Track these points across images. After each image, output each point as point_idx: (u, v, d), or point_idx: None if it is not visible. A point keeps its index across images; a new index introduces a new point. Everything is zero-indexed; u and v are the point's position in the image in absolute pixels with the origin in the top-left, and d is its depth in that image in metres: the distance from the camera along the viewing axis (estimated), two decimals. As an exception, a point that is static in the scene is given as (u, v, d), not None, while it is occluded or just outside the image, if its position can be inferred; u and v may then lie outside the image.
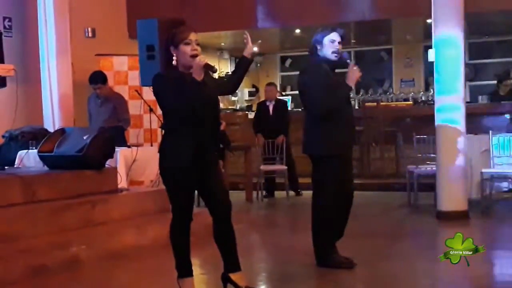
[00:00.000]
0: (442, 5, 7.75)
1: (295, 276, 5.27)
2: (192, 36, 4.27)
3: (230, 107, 15.96)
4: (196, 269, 4.61)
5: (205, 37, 12.53)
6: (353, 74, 5.20)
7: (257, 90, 17.42)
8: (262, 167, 10.21)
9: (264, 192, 10.40)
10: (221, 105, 14.17)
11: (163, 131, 4.42)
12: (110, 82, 9.13)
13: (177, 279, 4.45)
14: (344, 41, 5.29)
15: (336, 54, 5.23)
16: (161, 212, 6.92)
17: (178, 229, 4.39)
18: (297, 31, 13.78)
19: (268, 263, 6.03)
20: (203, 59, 4.19)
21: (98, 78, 8.61)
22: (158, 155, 4.35)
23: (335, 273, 5.21)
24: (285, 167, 10.11)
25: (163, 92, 4.22)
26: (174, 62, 4.28)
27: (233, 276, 4.43)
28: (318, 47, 5.28)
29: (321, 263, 5.35)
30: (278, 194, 10.54)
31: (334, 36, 5.24)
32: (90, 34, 11.03)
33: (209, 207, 4.43)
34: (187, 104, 4.14)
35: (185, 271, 4.43)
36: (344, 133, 5.30)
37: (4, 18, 9.71)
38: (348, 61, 5.36)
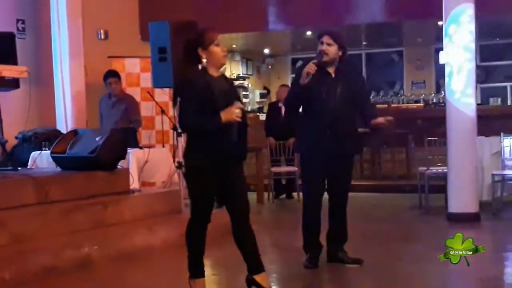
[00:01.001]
0: (454, 7, 7.76)
1: (305, 277, 5.29)
2: (220, 37, 4.35)
3: (241, 109, 15.94)
4: (207, 270, 4.62)
5: (217, 39, 12.55)
6: (303, 72, 5.17)
7: (268, 92, 17.44)
8: (273, 168, 10.21)
9: (274, 193, 10.44)
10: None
11: (186, 133, 4.44)
12: (122, 83, 9.18)
13: (188, 279, 4.47)
14: (338, 40, 5.25)
15: (319, 54, 5.26)
16: (173, 213, 6.93)
17: (195, 229, 4.42)
18: (308, 33, 13.78)
19: (279, 264, 6.03)
20: (239, 114, 4.21)
21: (114, 72, 8.81)
22: (181, 155, 4.37)
23: (346, 274, 5.23)
24: (296, 169, 10.11)
25: (190, 98, 4.24)
26: (204, 63, 4.34)
27: (258, 278, 4.41)
28: None
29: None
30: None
31: (322, 38, 5.28)
32: (102, 36, 11.09)
33: (229, 208, 4.43)
34: (216, 109, 4.19)
35: (197, 271, 4.46)
36: (306, 132, 5.38)
37: (18, 20, 9.75)
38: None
